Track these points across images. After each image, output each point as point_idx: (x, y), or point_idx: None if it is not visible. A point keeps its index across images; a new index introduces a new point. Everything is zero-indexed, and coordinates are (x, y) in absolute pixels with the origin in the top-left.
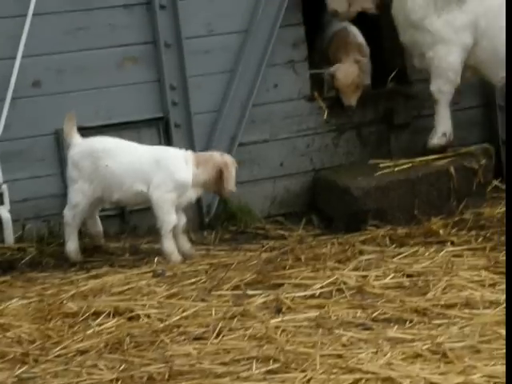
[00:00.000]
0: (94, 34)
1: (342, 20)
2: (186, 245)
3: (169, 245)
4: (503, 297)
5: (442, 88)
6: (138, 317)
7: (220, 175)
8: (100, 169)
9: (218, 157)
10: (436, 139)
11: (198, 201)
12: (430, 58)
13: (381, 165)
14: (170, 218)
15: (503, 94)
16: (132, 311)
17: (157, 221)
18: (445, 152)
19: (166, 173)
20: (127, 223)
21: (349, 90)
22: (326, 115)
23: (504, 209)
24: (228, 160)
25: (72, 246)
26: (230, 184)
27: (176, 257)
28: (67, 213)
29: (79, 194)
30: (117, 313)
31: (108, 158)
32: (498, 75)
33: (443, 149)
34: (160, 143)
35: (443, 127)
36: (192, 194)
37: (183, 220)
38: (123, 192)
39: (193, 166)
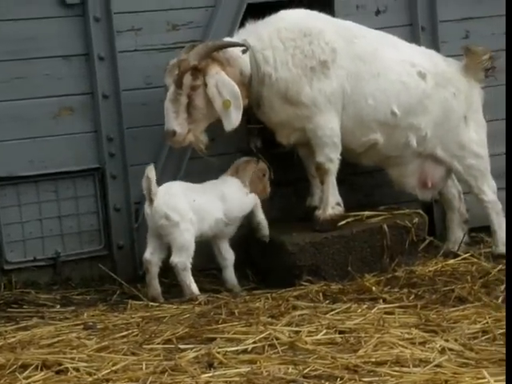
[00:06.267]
0: (31, 84)
1: (177, 145)
2: None
3: (263, 217)
4: (433, 355)
5: (331, 156)
6: (66, 370)
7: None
8: (191, 204)
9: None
10: (330, 209)
11: (132, 253)
12: (310, 130)
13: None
14: (251, 202)
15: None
16: (61, 364)
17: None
18: (336, 225)
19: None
20: (59, 274)
21: None
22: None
23: (435, 267)
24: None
25: (195, 287)
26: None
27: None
28: (179, 259)
29: (186, 234)
30: (45, 366)
31: (193, 194)
32: (360, 140)
33: (338, 220)
34: (95, 194)
35: (335, 197)
36: None
37: None
38: (208, 222)
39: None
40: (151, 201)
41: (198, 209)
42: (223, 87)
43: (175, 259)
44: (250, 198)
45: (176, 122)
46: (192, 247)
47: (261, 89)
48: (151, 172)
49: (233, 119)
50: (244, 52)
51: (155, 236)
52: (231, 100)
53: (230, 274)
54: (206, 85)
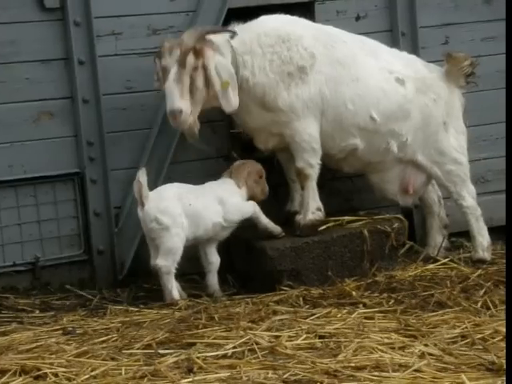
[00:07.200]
0: (10, 88)
1: (181, 125)
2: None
3: (268, 221)
4: (412, 359)
5: (311, 161)
6: (45, 375)
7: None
8: (186, 208)
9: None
10: (311, 215)
11: (112, 257)
12: (288, 136)
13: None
14: (250, 206)
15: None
16: (39, 370)
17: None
18: (316, 230)
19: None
20: (38, 279)
21: None
22: None
23: (415, 272)
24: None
25: (177, 293)
26: None
27: (279, 229)
28: (165, 263)
29: (176, 239)
30: (23, 371)
31: (190, 197)
32: (340, 145)
33: (318, 225)
34: (75, 199)
35: (316, 202)
36: None
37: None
38: (204, 226)
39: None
40: (143, 204)
41: (193, 213)
42: (221, 68)
43: (161, 262)
44: (249, 204)
45: (182, 101)
46: (179, 253)
47: (238, 92)
48: (142, 176)
49: (232, 100)
50: (232, 37)
51: (151, 239)
52: (229, 81)
53: (213, 279)
54: (203, 66)
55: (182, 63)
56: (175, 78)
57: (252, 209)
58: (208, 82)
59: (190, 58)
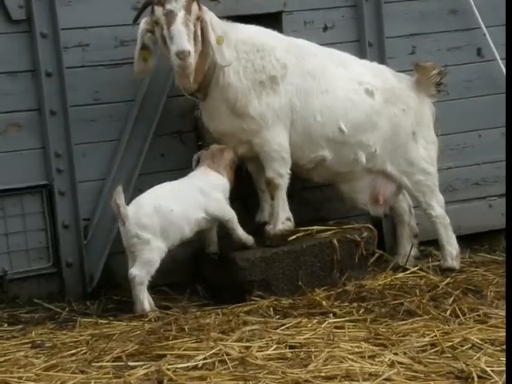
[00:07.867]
0: None
1: (187, 69)
2: None
3: (243, 232)
4: (382, 368)
5: (280, 171)
6: None
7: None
8: (167, 216)
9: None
10: (281, 225)
11: (81, 270)
12: (257, 145)
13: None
14: (231, 211)
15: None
16: None
17: (226, 223)
18: (286, 240)
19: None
20: (6, 292)
21: None
22: None
23: (385, 281)
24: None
25: (148, 304)
26: None
27: (251, 240)
28: (139, 272)
29: (155, 252)
30: None
31: (170, 201)
32: (309, 156)
33: (288, 235)
34: (43, 211)
35: (286, 212)
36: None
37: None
38: (188, 225)
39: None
40: (123, 222)
41: (174, 217)
42: (216, 24)
43: (135, 271)
44: (230, 209)
45: (189, 44)
46: (155, 266)
47: (213, 88)
48: (119, 195)
49: (226, 55)
50: (215, 4)
51: (131, 252)
52: (223, 37)
53: (211, 234)
54: (201, 19)
55: (188, 9)
56: (183, 21)
57: (232, 214)
58: (204, 35)
59: (195, 7)
